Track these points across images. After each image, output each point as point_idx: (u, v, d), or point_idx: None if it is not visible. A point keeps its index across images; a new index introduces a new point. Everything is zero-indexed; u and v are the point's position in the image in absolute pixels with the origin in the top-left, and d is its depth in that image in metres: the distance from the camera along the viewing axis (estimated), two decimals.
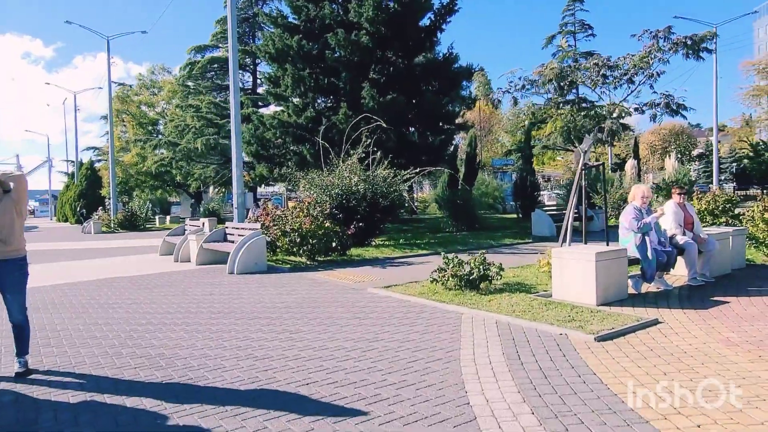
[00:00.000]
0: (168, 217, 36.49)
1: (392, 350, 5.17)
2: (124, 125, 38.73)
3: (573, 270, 6.83)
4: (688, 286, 7.69)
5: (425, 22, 19.45)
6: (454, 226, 19.73)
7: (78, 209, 39.78)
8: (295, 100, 18.17)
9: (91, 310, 7.59)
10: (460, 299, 7.22)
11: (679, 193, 8.08)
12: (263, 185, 20.58)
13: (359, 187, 14.10)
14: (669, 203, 8.04)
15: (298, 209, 11.98)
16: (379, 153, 14.40)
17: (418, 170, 14.76)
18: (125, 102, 37.21)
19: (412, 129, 20.42)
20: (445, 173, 20.28)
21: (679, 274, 8.11)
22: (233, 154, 14.74)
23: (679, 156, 38.45)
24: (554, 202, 30.71)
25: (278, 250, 12.82)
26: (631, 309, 6.41)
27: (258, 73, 29.65)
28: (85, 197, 41.74)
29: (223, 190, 39.88)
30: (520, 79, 9.47)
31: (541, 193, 44.57)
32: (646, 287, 7.47)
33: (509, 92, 9.50)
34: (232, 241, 12.62)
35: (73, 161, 52.06)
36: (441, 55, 19.69)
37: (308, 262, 11.68)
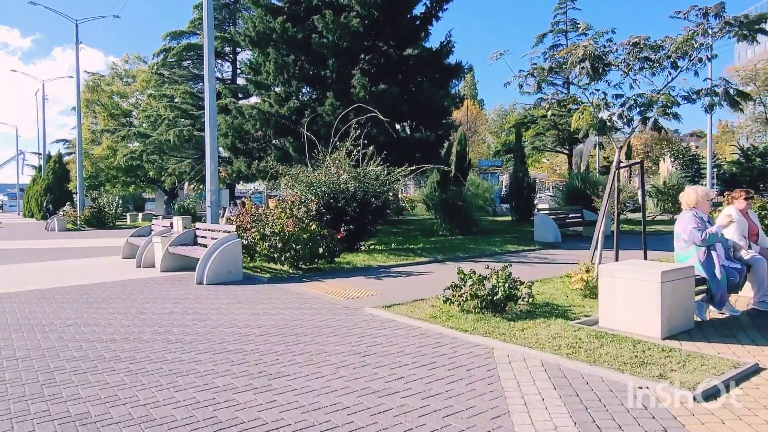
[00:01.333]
0: (140, 215, 34.42)
1: (412, 412, 3.68)
2: (95, 116, 36.52)
3: (629, 292, 5.42)
4: (755, 311, 6.35)
5: (420, 9, 18.01)
6: (448, 229, 18.34)
7: (44, 204, 37.49)
8: (278, 89, 16.58)
9: (14, 336, 5.95)
10: (485, 326, 5.76)
11: (746, 198, 6.73)
12: (241, 182, 18.99)
13: (349, 185, 12.59)
14: (730, 210, 6.69)
15: (279, 209, 10.40)
16: (371, 147, 12.90)
17: (414, 168, 13.29)
18: (96, 92, 35.02)
19: (404, 124, 18.95)
20: (434, 172, 18.89)
21: (740, 295, 6.77)
22: (207, 146, 13.09)
23: (672, 160, 37.76)
24: (546, 205, 29.58)
25: (256, 255, 11.25)
26: (708, 344, 5.02)
27: (238, 63, 27.89)
28: (52, 192, 39.38)
29: (200, 186, 37.98)
30: (546, 59, 7.97)
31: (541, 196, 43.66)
32: (710, 313, 6.10)
33: (533, 76, 8.06)
34: (204, 245, 10.99)
35: (43, 154, 49.44)
36: (435, 45, 18.30)
37: (291, 271, 10.12)
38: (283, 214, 10.26)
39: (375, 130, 15.45)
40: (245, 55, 27.70)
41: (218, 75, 28.13)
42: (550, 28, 44.71)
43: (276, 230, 10.04)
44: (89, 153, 34.98)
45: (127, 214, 34.29)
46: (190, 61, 27.51)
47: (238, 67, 27.73)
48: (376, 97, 14.86)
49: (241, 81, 27.11)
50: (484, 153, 63.39)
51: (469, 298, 6.34)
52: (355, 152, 13.42)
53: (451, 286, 6.60)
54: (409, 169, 13.37)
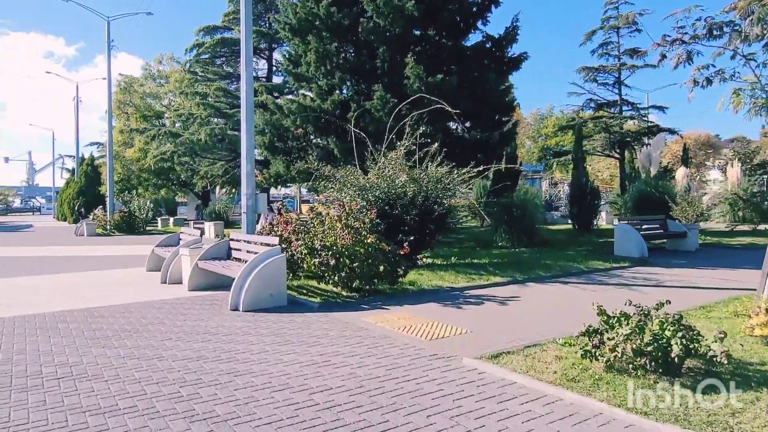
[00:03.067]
0: (171, 219, 33.27)
1: None
2: (128, 118, 35.62)
3: None
4: None
5: None
6: (507, 240, 16.28)
7: (76, 208, 36.78)
8: (319, 82, 14.83)
9: None
10: (669, 405, 3.75)
11: None
12: (278, 186, 17.36)
13: (407, 188, 10.68)
14: None
15: (334, 218, 8.54)
16: (435, 145, 10.98)
17: (481, 168, 11.31)
18: (128, 92, 34.09)
19: (455, 122, 16.92)
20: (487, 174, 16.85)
21: None
22: (243, 143, 11.37)
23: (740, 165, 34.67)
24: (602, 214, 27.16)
25: (299, 271, 9.46)
26: None
27: (274, 60, 26.39)
28: (84, 195, 38.72)
29: (233, 190, 36.66)
30: (700, 19, 5.94)
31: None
32: None
33: (683, 41, 6.03)
34: (239, 259, 9.24)
35: (76, 157, 49.14)
36: (488, 35, 16.27)
37: (345, 294, 8.25)
38: (337, 224, 8.40)
39: (430, 128, 13.53)
40: (279, 55, 26.21)
41: (253, 73, 26.69)
42: (600, 25, 42.10)
43: (327, 243, 8.19)
44: (121, 155, 34.05)
45: (158, 219, 33.17)
46: (223, 58, 26.12)
47: (273, 64, 26.24)
48: (432, 90, 12.92)
49: (277, 79, 25.65)
50: (523, 157, 60.84)
51: (623, 353, 4.34)
52: (410, 152, 11.53)
53: (587, 331, 4.62)
54: (475, 170, 11.38)
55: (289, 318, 6.89)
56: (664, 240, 15.40)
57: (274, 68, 26.48)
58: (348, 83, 14.78)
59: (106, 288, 9.54)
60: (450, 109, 10.89)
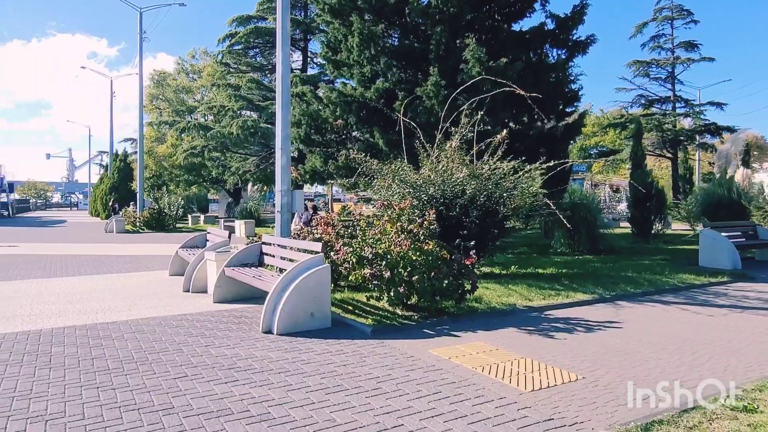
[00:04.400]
0: (202, 217, 32.41)
1: None
2: (161, 113, 34.94)
3: None
4: None
5: None
6: (567, 246, 14.57)
7: (109, 204, 36.41)
8: (363, 68, 13.39)
9: None
10: None
11: None
12: (314, 183, 16.04)
13: (467, 186, 9.15)
14: None
15: (384, 219, 7.05)
16: (503, 132, 9.42)
17: (553, 163, 9.67)
18: (161, 86, 33.40)
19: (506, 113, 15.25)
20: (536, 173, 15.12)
21: None
22: (278, 130, 9.99)
23: None
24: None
25: (340, 280, 8.04)
26: None
27: (309, 52, 25.12)
28: (117, 191, 38.36)
29: (264, 187, 35.65)
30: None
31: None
32: None
33: None
34: (273, 267, 7.88)
35: (109, 153, 49.04)
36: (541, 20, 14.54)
37: (400, 313, 6.75)
38: (390, 227, 6.91)
39: (488, 118, 11.95)
40: (318, 46, 24.92)
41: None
42: (652, 16, 39.54)
43: (379, 251, 6.72)
44: (153, 151, 33.38)
45: (189, 216, 32.37)
46: (257, 49, 24.96)
47: (308, 56, 24.97)
48: (495, 75, 11.34)
49: (312, 72, 24.35)
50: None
51: None
52: (466, 144, 9.99)
53: None
54: (546, 165, 9.76)
55: (336, 347, 5.43)
56: (753, 250, 13.43)
57: (309, 59, 25.21)
58: (394, 69, 13.27)
59: (120, 296, 8.28)
60: (523, 92, 9.27)
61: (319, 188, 62.93)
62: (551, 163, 9.83)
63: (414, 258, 6.65)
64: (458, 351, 5.28)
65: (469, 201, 9.11)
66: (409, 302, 6.87)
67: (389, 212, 7.11)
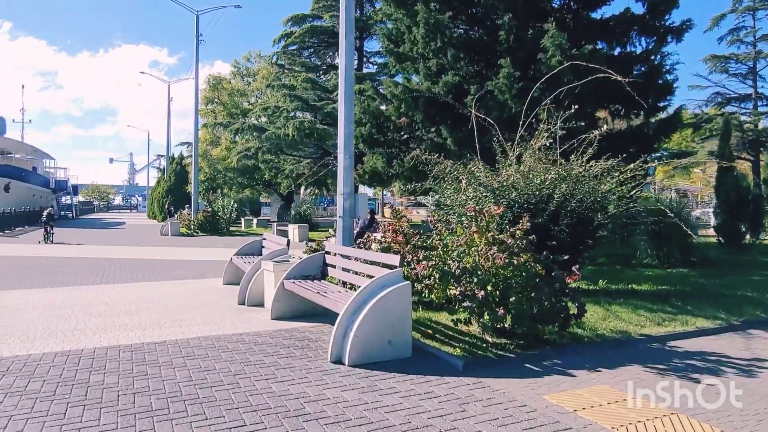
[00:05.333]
0: (255, 220, 32.17)
1: None
2: (216, 117, 35.08)
3: None
4: None
5: None
6: (655, 257, 13.01)
7: (165, 206, 36.84)
8: (428, 62, 12.36)
9: None
10: None
11: None
12: (374, 185, 15.14)
13: (555, 190, 7.94)
14: None
15: (472, 229, 5.95)
16: (603, 127, 8.19)
17: (657, 163, 8.36)
18: (217, 89, 33.51)
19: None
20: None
21: None
22: (341, 128, 9.07)
23: None
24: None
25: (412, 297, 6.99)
26: None
27: (365, 51, 24.34)
28: (172, 194, 38.82)
29: (317, 191, 35.17)
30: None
31: (707, 211, 35.58)
32: None
33: None
34: (331, 279, 6.94)
35: (166, 156, 50.05)
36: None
37: (491, 340, 5.64)
38: (478, 238, 5.81)
39: (567, 113, 10.66)
40: (373, 44, 24.11)
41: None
42: (731, 8, 36.64)
43: (467, 265, 5.64)
44: (208, 154, 33.49)
45: (242, 219, 32.21)
46: (311, 49, 24.39)
47: (364, 55, 24.20)
48: (576, 66, 10.07)
49: (367, 71, 23.54)
50: None
51: None
52: (548, 143, 8.76)
53: None
54: (646, 165, 8.44)
55: (424, 387, 4.38)
56: None
57: (365, 59, 24.44)
58: (461, 62, 12.16)
59: (171, 309, 7.54)
60: (620, 77, 7.98)
61: (369, 191, 62.25)
62: (655, 163, 8.50)
63: (508, 274, 5.53)
64: (582, 399, 4.13)
65: (558, 207, 7.91)
66: (499, 326, 5.75)
67: (478, 220, 6.01)
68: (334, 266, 7.13)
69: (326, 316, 6.63)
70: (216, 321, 6.77)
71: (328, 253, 7.37)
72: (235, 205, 32.05)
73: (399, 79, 14.38)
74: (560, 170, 8.06)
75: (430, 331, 6.05)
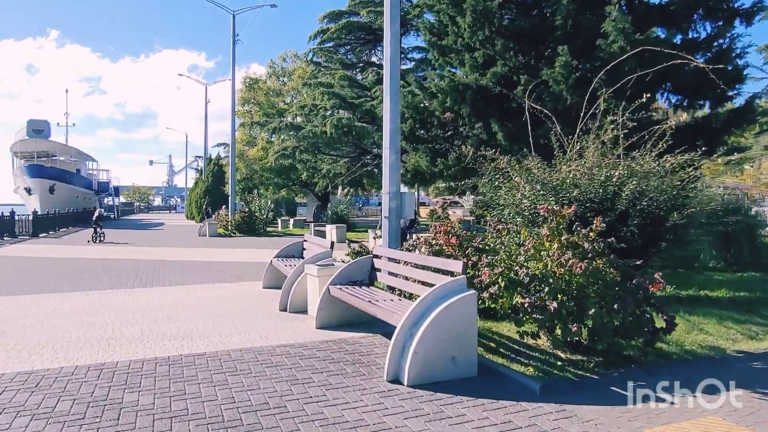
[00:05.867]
0: (291, 221, 32.01)
1: None
2: (252, 117, 35.11)
3: None
4: None
5: None
6: (722, 259, 12.01)
7: (203, 207, 37.12)
8: (475, 53, 11.69)
9: None
10: None
11: None
12: (416, 184, 14.49)
13: (623, 188, 7.20)
14: None
15: (544, 231, 5.29)
16: (684, 116, 7.45)
17: (737, 157, 7.49)
18: (253, 89, 33.52)
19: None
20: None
21: None
22: (386, 123, 8.53)
23: None
24: None
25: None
26: None
27: (403, 47, 23.74)
28: (210, 194, 39.11)
29: (353, 191, 34.78)
30: None
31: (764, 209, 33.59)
32: None
33: None
34: (389, 288, 6.40)
35: (203, 157, 50.62)
36: None
37: (564, 357, 4.98)
38: (549, 242, 5.16)
39: (633, 103, 9.85)
40: (411, 40, 23.49)
41: (380, 61, 24.28)
42: None
43: (537, 272, 5.00)
44: (244, 154, 33.52)
45: (279, 220, 32.09)
46: (348, 47, 23.97)
47: (401, 51, 23.59)
48: (638, 54, 9.25)
49: (405, 67, 22.95)
50: None
51: None
52: (614, 135, 7.99)
53: None
54: (728, 158, 7.59)
55: (499, 415, 3.78)
56: None
57: (403, 55, 23.82)
58: (512, 52, 11.43)
59: (210, 315, 7.13)
60: (698, 63, 7.18)
61: (403, 189, 61.42)
62: (734, 157, 7.65)
63: (585, 283, 4.87)
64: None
65: (628, 206, 7.16)
66: (577, 341, 5.09)
67: (549, 221, 5.35)
68: (382, 271, 6.58)
69: (375, 325, 6.11)
70: (258, 330, 6.32)
71: (376, 256, 6.82)
72: (272, 206, 31.95)
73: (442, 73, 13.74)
74: (631, 164, 7.31)
75: (492, 345, 5.43)
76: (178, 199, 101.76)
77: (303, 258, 9.49)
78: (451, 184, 12.54)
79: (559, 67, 10.06)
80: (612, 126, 7.68)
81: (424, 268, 5.55)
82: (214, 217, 28.73)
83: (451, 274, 5.00)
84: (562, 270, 4.92)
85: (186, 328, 6.42)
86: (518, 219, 7.73)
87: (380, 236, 10.21)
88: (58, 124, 60.86)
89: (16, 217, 23.94)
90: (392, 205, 8.56)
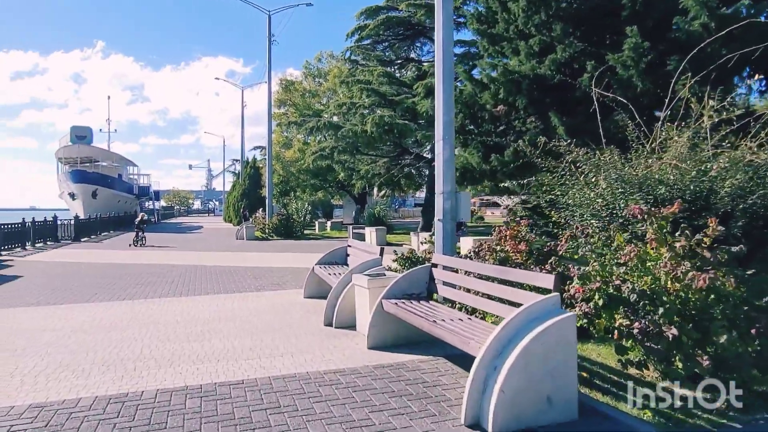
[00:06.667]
0: (329, 223, 31.44)
1: None
2: (288, 117, 34.76)
3: None
4: None
5: None
6: None
7: (241, 210, 37.01)
8: (530, 40, 10.69)
9: None
10: None
11: None
12: (466, 184, 13.47)
13: (725, 183, 6.12)
14: None
15: (650, 235, 4.33)
16: None
17: None
18: (289, 91, 33.13)
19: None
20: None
21: None
22: (438, 115, 7.67)
23: None
24: None
25: None
26: None
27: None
28: (247, 197, 38.98)
29: (388, 191, 33.98)
30: None
31: None
32: None
33: None
34: (449, 302, 5.54)
35: (240, 160, 50.76)
36: None
37: (680, 392, 3.99)
38: (656, 252, 4.19)
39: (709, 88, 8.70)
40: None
41: (420, 57, 23.37)
42: None
43: (645, 287, 4.03)
44: (281, 156, 33.15)
45: (316, 222, 31.57)
46: (386, 43, 23.15)
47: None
48: (726, 27, 8.11)
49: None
50: None
51: None
52: (707, 124, 6.89)
53: None
54: None
55: None
56: None
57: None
58: (572, 37, 10.39)
59: (248, 331, 6.40)
60: None
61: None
62: None
63: (711, 302, 3.88)
64: None
65: (731, 204, 6.07)
66: (695, 371, 4.09)
67: (652, 224, 4.37)
68: (443, 283, 5.70)
69: (435, 344, 5.26)
70: (302, 350, 5.53)
71: (435, 265, 5.95)
72: (309, 208, 31.46)
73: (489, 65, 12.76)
74: (735, 155, 6.22)
75: (584, 374, 4.48)
76: (217, 203, 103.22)
77: (347, 265, 8.72)
78: (504, 183, 11.55)
79: (628, 50, 8.98)
80: (710, 113, 6.61)
81: (501, 282, 4.65)
82: (251, 220, 28.42)
83: (537, 289, 4.10)
84: (678, 285, 3.95)
85: (221, 346, 5.70)
86: (593, 221, 6.75)
87: (430, 241, 9.34)
88: (100, 130, 62.18)
89: (59, 222, 24.14)
90: (447, 207, 7.67)
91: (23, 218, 19.88)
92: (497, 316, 4.74)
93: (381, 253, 7.12)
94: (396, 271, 7.50)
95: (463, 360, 4.60)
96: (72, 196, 39.43)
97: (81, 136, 45.59)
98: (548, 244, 6.23)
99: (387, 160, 21.47)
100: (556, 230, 7.56)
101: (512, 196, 14.99)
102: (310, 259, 9.00)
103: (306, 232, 27.95)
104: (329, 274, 7.80)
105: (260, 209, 31.87)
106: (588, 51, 10.25)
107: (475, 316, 5.05)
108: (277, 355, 5.37)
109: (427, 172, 24.06)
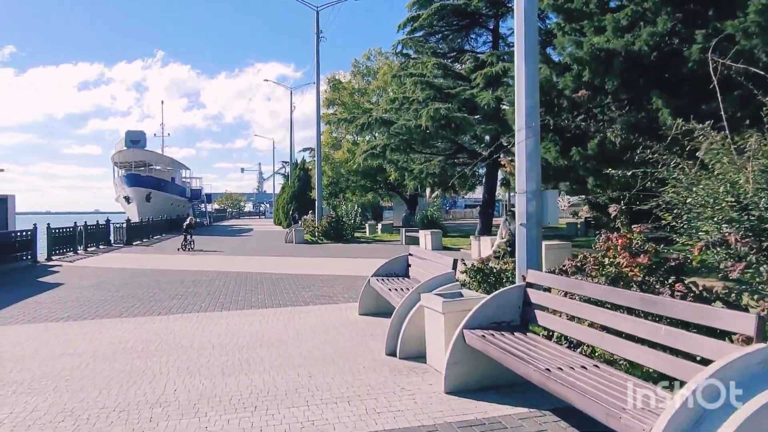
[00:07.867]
0: (379, 225, 30.35)
1: None
2: (336, 116, 33.95)
3: None
4: None
5: None
6: None
7: (290, 213, 36.50)
8: (618, 14, 9.17)
9: None
10: None
11: None
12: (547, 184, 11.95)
13: None
14: None
15: None
16: None
17: None
18: (337, 89, 32.33)
19: None
20: None
21: None
22: (518, 96, 6.35)
23: None
24: None
25: None
26: None
27: (501, 33, 21.24)
28: (297, 200, 38.50)
29: (440, 192, 32.57)
30: None
31: None
32: None
33: None
34: (550, 335, 4.19)
35: (290, 162, 50.56)
36: None
37: None
38: None
39: None
40: (510, 23, 21.00)
41: (475, 49, 21.89)
42: None
43: None
44: (329, 157, 32.35)
45: (366, 224, 30.56)
46: (439, 35, 21.82)
47: (500, 36, 21.11)
48: None
49: (512, 49, 20.50)
50: None
51: None
52: None
53: None
54: None
55: None
56: None
57: (501, 41, 21.32)
58: (669, 7, 8.77)
59: (294, 362, 5.26)
60: None
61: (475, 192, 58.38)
62: None
63: None
64: None
65: None
66: None
67: None
68: (547, 310, 4.37)
69: (533, 389, 3.93)
70: (360, 392, 4.34)
71: (530, 285, 4.61)
72: (359, 210, 30.49)
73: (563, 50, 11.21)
74: None
75: None
76: (267, 205, 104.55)
77: (408, 277, 7.50)
78: (582, 183, 9.96)
79: (753, 14, 7.33)
80: None
81: (646, 315, 3.26)
82: (300, 222, 27.72)
83: (711, 331, 2.72)
84: None
85: (260, 384, 4.58)
86: (726, 228, 5.24)
87: (505, 249, 8.02)
88: (154, 134, 63.63)
89: (112, 226, 24.11)
90: (530, 209, 6.32)
91: (75, 222, 19.76)
92: (636, 364, 3.37)
93: (454, 266, 5.83)
94: (465, 285, 6.20)
95: (584, 419, 3.27)
96: (127, 199, 40.10)
97: (135, 140, 46.51)
98: (676, 256, 4.79)
99: (442, 159, 20.13)
100: (668, 235, 6.09)
101: (589, 196, 13.34)
102: (362, 266, 7.88)
103: (356, 234, 26.97)
104: (389, 289, 6.59)
105: (310, 212, 31.18)
106: (694, 21, 8.61)
107: (598, 359, 3.70)
108: (329, 400, 4.19)
109: (483, 171, 22.54)
